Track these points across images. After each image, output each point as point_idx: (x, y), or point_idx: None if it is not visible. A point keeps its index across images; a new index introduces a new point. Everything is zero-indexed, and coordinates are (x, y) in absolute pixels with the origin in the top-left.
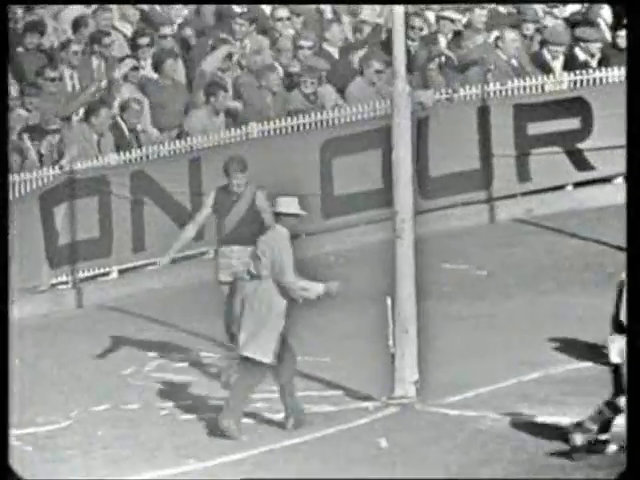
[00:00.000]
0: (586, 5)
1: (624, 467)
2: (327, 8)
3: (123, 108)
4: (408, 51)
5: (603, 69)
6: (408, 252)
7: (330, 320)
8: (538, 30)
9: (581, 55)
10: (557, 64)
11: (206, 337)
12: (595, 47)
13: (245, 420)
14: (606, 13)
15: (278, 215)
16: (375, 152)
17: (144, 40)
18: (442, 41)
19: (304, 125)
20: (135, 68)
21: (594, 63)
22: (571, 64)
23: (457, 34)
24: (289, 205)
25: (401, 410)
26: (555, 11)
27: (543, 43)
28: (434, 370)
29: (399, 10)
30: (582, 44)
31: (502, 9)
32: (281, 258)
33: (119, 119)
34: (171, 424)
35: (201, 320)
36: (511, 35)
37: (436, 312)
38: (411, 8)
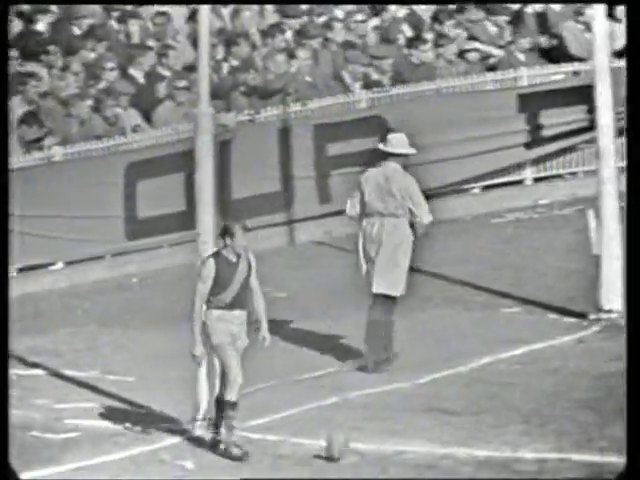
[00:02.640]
0: (388, 22)
1: (624, 467)
2: (135, 33)
3: None
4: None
5: (399, 86)
6: None
7: (133, 340)
8: (350, 46)
9: (374, 74)
10: (357, 83)
11: (45, 350)
12: (387, 64)
13: (49, 436)
14: (407, 29)
15: (389, 155)
16: (179, 175)
17: None
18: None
19: (108, 148)
20: None
21: (386, 80)
22: (367, 83)
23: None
24: (400, 144)
25: (205, 432)
26: (359, 27)
27: (344, 62)
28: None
29: (204, 32)
30: (374, 62)
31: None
32: (419, 198)
33: None
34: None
35: (41, 333)
36: (301, 54)
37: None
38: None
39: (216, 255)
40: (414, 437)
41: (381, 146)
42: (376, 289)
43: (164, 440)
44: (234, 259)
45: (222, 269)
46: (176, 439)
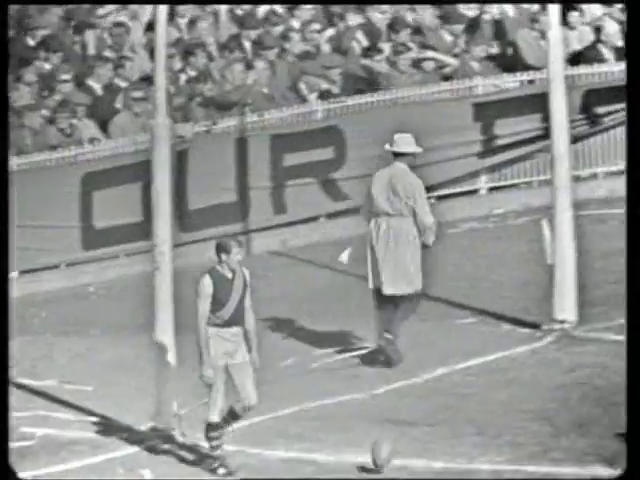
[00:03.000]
0: (342, 30)
1: (624, 467)
2: (91, 44)
3: None
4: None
5: (356, 96)
6: (167, 283)
7: (90, 349)
8: (306, 56)
9: (323, 84)
10: (313, 94)
11: None
12: (336, 73)
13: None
14: (363, 38)
15: (396, 155)
16: (135, 185)
17: None
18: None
19: (64, 158)
20: None
21: (335, 90)
22: (322, 93)
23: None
24: (406, 144)
25: (163, 442)
26: (316, 37)
27: (301, 72)
28: (193, 403)
29: (161, 43)
30: (325, 72)
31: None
32: (421, 199)
33: None
34: None
35: None
36: (259, 64)
37: (194, 344)
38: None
39: (212, 272)
40: (370, 448)
41: (387, 147)
42: (385, 289)
43: (122, 449)
44: (230, 275)
45: (219, 286)
46: (134, 448)
